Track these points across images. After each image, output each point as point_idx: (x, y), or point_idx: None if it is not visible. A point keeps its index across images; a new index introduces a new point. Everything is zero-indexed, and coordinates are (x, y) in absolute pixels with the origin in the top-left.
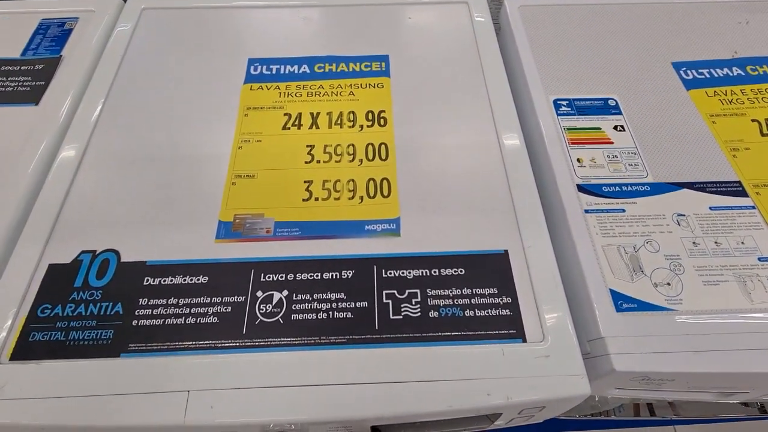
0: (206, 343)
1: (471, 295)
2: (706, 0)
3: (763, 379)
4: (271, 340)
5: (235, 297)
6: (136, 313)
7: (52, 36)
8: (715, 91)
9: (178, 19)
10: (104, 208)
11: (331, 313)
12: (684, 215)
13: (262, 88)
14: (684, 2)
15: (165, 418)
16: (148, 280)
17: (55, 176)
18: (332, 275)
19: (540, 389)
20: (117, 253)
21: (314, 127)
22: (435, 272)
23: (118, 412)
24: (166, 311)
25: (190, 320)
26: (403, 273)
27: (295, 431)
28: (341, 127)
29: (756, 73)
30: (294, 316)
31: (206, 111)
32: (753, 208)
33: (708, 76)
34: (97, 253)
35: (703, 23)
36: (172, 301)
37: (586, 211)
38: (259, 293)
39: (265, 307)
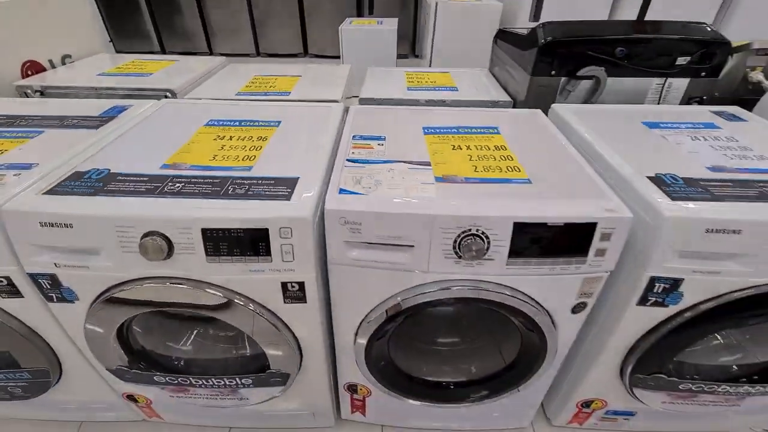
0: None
1: (271, 186)
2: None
3: (410, 222)
4: (173, 194)
5: (161, 182)
6: (112, 185)
7: (117, 109)
8: (438, 136)
9: (184, 105)
10: (113, 158)
11: (205, 188)
12: (393, 169)
13: (210, 126)
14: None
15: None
16: (121, 175)
17: (92, 146)
18: (213, 183)
19: (285, 212)
20: (109, 169)
21: (226, 138)
22: (260, 179)
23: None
24: (125, 186)
25: (136, 187)
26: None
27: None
28: (242, 140)
29: (462, 131)
30: (185, 189)
31: (182, 131)
32: (429, 167)
33: (437, 131)
34: (101, 168)
35: (451, 113)
36: (132, 179)
37: (345, 166)
38: (170, 183)
39: (173, 184)
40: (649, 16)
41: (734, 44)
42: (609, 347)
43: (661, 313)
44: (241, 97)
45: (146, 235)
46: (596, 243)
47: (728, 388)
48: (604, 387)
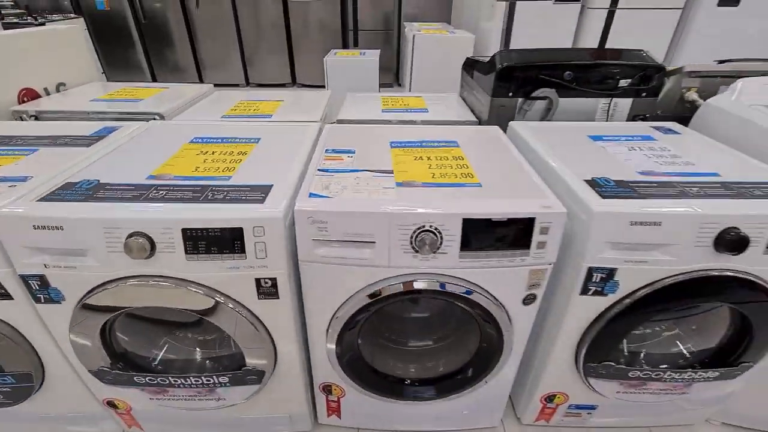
0: (129, 198)
1: (247, 192)
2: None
3: (367, 221)
4: (157, 200)
5: (146, 190)
6: (101, 193)
7: (108, 130)
8: (403, 149)
9: (171, 125)
10: (102, 171)
11: (186, 194)
12: (359, 177)
13: (194, 143)
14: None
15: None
16: (109, 185)
17: (83, 161)
18: (194, 190)
19: (261, 213)
20: (98, 180)
21: (209, 153)
22: (238, 186)
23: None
24: (113, 194)
25: (123, 194)
26: (228, 188)
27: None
28: (223, 155)
29: (425, 145)
30: (168, 196)
31: (168, 147)
32: (391, 174)
33: (403, 144)
34: (91, 179)
35: (421, 131)
36: (119, 188)
37: (316, 175)
38: (154, 191)
39: (157, 192)
40: (610, 43)
41: (669, 68)
42: (561, 338)
43: (602, 302)
44: (226, 120)
45: (131, 235)
46: (537, 236)
47: (673, 374)
48: (563, 379)
